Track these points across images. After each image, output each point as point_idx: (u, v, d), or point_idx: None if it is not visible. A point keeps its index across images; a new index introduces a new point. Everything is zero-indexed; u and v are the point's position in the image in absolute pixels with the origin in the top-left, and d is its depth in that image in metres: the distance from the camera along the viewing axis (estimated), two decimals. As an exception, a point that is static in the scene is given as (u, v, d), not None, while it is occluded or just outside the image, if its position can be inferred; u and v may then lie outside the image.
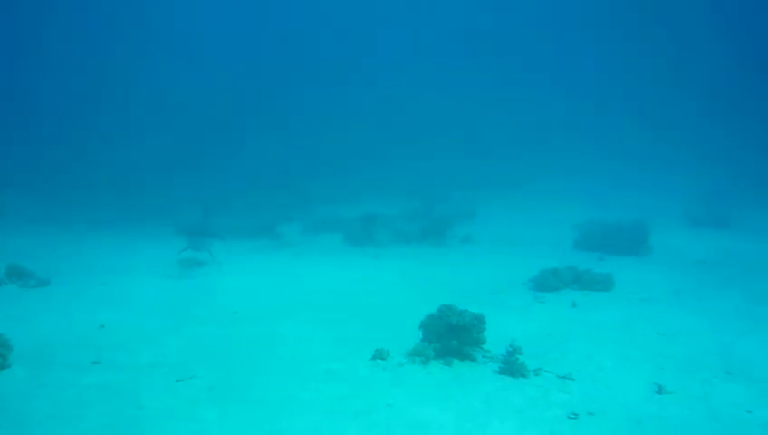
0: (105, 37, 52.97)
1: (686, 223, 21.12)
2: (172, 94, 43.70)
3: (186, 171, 28.55)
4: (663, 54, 48.52)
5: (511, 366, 7.80)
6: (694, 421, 6.66)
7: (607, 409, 6.87)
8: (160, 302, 11.34)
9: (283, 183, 26.40)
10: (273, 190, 24.80)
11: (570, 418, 6.62)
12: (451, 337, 8.35)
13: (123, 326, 9.75)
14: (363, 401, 6.97)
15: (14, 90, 42.49)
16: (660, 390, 7.38)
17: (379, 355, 8.28)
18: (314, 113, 41.05)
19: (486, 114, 43.90)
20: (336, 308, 11.06)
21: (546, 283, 12.47)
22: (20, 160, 28.42)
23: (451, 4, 60.50)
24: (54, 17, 51.30)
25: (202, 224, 16.12)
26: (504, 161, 33.26)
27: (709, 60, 45.33)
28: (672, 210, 22.72)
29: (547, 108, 45.91)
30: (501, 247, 17.21)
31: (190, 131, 35.41)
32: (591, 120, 43.03)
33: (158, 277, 13.33)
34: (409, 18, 61.11)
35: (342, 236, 18.11)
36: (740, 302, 11.64)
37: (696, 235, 19.29)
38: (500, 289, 12.54)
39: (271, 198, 23.58)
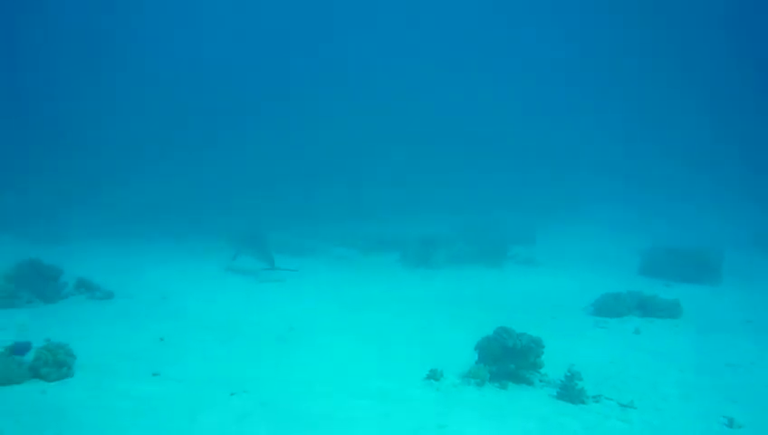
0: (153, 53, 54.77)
1: (757, 249, 20.12)
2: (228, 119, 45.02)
3: (233, 187, 29.22)
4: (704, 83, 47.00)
5: (569, 391, 7.51)
6: (768, 458, 6.23)
7: (672, 440, 6.51)
8: (219, 315, 11.54)
9: (335, 201, 26.65)
10: (326, 208, 25.10)
11: (631, 448, 6.31)
12: (508, 360, 8.15)
13: (182, 339, 9.95)
14: (415, 421, 6.84)
15: (76, 104, 44.34)
16: (731, 423, 6.95)
17: (433, 376, 8.14)
18: (358, 130, 41.28)
19: (538, 139, 43.52)
20: (390, 327, 10.98)
21: (608, 308, 12.05)
22: (82, 176, 29.67)
23: (500, 29, 60.15)
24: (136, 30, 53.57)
25: (257, 237, 16.37)
26: (557, 186, 32.76)
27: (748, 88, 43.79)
28: (741, 236, 21.71)
29: (596, 133, 45.32)
30: (561, 271, 16.80)
31: (241, 150, 36.20)
32: (642, 145, 42.07)
33: (217, 291, 13.60)
34: (450, 38, 60.85)
35: (398, 256, 18.08)
36: (818, 333, 10.93)
37: (769, 261, 18.36)
38: (559, 313, 12.19)
39: (325, 215, 23.87)
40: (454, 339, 10.05)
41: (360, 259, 18.69)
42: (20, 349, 8.07)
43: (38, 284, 12.16)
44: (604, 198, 30.06)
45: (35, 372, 7.78)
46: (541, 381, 8.11)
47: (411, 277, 16.00)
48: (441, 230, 20.15)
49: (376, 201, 27.24)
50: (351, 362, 8.96)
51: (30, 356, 7.96)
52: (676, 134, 42.86)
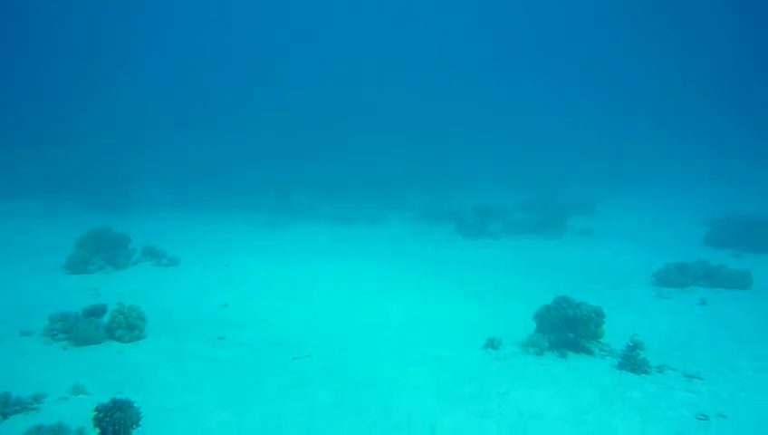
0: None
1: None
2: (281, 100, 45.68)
3: (296, 164, 29.66)
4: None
5: (631, 361, 7.39)
6: None
7: (742, 412, 6.32)
8: (279, 283, 11.82)
9: (395, 173, 26.72)
10: (383, 181, 25.23)
11: (698, 419, 6.17)
12: (567, 329, 8.07)
13: (245, 305, 10.25)
14: (474, 388, 6.88)
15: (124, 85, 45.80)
16: (805, 396, 6.70)
17: (491, 344, 8.14)
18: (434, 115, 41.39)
19: (600, 115, 42.76)
20: (447, 295, 11.01)
21: (671, 278, 11.72)
22: (149, 150, 30.71)
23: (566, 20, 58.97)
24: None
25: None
26: (618, 157, 31.95)
27: None
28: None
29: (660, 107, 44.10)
30: (621, 241, 16.41)
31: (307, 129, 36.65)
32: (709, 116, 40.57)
33: (276, 259, 13.91)
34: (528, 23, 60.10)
35: (455, 226, 18.01)
36: None
37: None
38: (620, 283, 11.95)
39: (382, 187, 24.01)
40: (511, 308, 10.01)
41: (419, 228, 18.73)
42: (96, 311, 8.51)
43: (108, 251, 12.73)
44: (666, 169, 29.13)
45: (111, 334, 8.21)
46: (601, 350, 8.00)
47: (469, 246, 15.94)
48: (500, 200, 19.96)
49: (434, 172, 27.19)
50: (410, 329, 9.05)
51: (105, 318, 8.39)
52: (740, 106, 41.35)
